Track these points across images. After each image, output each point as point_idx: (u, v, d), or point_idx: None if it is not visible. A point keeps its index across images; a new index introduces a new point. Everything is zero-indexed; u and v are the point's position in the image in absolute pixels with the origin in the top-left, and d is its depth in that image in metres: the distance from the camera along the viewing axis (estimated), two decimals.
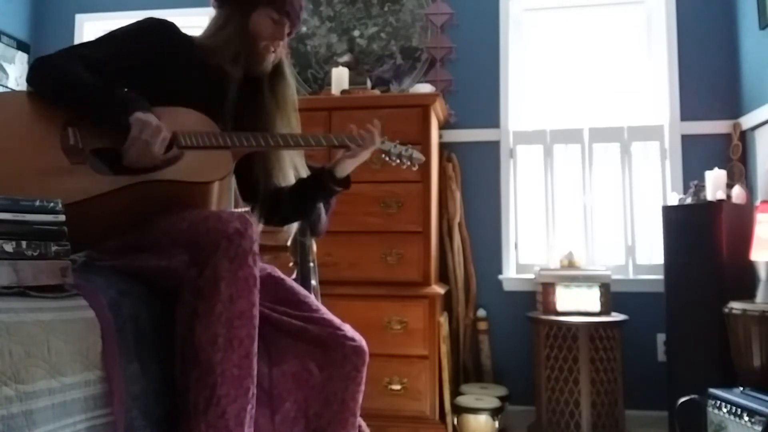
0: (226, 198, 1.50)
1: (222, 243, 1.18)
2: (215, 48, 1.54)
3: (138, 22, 1.51)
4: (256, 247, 1.23)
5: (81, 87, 1.36)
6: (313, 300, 1.54)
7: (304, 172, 1.67)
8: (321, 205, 1.84)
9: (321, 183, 1.63)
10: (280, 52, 1.59)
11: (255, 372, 1.23)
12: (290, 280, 1.57)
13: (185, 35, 1.56)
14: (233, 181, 1.59)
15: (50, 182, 1.26)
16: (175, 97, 1.44)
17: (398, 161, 1.71)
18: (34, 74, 1.38)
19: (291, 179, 1.65)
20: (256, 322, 1.23)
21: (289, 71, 1.64)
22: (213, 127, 1.44)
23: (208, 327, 1.17)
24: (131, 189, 1.30)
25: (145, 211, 1.32)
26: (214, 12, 1.59)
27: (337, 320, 1.49)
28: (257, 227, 1.30)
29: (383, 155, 1.68)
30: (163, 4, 3.52)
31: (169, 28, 1.53)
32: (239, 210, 1.62)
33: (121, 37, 1.48)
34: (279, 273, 1.56)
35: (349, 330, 1.48)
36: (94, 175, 1.30)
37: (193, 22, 1.91)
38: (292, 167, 1.65)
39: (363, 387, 1.47)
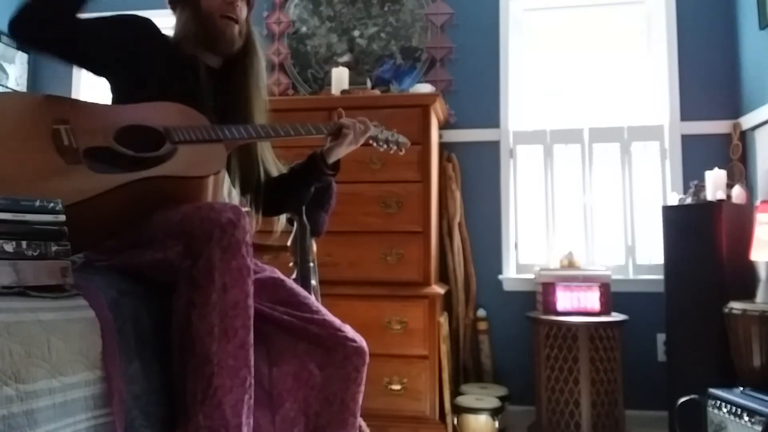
0: (220, 191, 1.50)
1: (215, 233, 1.18)
2: (182, 40, 1.55)
3: (116, 14, 1.51)
4: (249, 238, 1.23)
5: None
6: (314, 301, 1.54)
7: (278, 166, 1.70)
8: (320, 206, 1.84)
9: (314, 166, 1.66)
10: (243, 21, 1.57)
11: (252, 363, 1.22)
12: (291, 282, 1.57)
13: (162, 33, 1.57)
14: (227, 177, 1.59)
15: (49, 184, 1.24)
16: (155, 92, 1.44)
17: (385, 146, 1.74)
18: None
19: (275, 168, 1.68)
20: (251, 312, 1.23)
21: (259, 44, 1.64)
22: (202, 119, 1.44)
23: (204, 316, 1.17)
24: (129, 187, 1.28)
25: (143, 209, 1.31)
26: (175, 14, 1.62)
27: (337, 321, 1.48)
28: (252, 220, 1.30)
29: (370, 140, 1.70)
30: (163, 4, 3.51)
31: (147, 24, 1.54)
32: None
33: (100, 21, 1.48)
34: (279, 274, 1.56)
35: (349, 331, 1.48)
36: (91, 175, 1.29)
37: None
38: (272, 156, 1.68)
39: (363, 387, 1.47)
